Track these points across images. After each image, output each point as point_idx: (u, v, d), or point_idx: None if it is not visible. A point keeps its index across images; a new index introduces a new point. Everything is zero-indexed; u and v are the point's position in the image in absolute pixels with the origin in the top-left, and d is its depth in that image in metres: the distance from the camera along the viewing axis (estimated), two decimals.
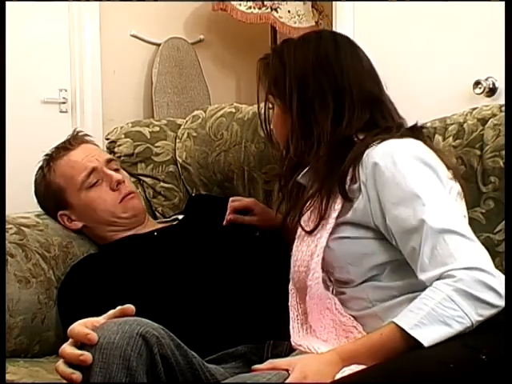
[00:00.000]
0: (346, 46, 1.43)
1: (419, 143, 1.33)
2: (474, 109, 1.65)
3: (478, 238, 1.48)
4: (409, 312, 1.14)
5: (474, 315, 1.11)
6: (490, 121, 1.58)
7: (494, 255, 1.50)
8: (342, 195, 1.31)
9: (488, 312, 1.12)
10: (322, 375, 1.13)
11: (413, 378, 1.05)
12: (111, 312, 1.15)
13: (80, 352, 1.07)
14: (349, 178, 1.30)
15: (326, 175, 1.33)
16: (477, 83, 2.31)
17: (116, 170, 1.76)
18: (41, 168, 1.78)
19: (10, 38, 2.01)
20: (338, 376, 1.12)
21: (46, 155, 1.78)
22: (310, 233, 1.34)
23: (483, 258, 1.18)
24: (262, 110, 1.50)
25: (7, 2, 1.79)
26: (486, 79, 2.31)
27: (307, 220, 1.36)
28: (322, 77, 1.38)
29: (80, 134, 1.83)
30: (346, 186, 1.30)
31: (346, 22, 2.73)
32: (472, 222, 1.53)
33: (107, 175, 1.72)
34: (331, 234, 1.32)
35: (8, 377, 1.37)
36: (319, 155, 1.35)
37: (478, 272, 1.14)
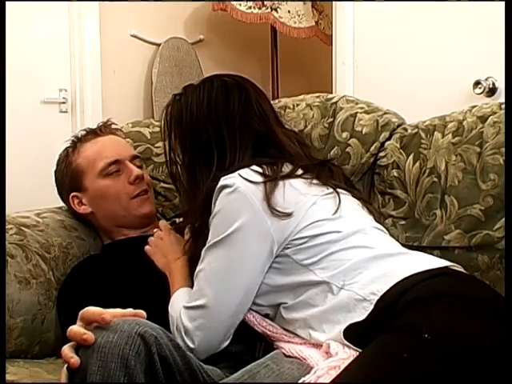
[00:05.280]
0: (235, 93, 1.52)
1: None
2: (474, 107, 1.65)
3: (477, 235, 1.53)
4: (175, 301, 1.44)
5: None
6: (490, 118, 1.58)
7: (493, 253, 1.51)
8: None
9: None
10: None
11: (374, 381, 1.09)
12: (122, 311, 1.16)
13: (84, 331, 1.08)
14: None
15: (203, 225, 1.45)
16: (477, 83, 2.31)
17: (139, 168, 1.78)
18: (66, 148, 1.80)
19: (10, 38, 2.01)
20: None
21: (74, 136, 1.81)
22: None
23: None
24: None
25: (7, 2, 1.79)
26: (486, 79, 2.31)
27: None
28: (210, 130, 1.49)
29: (112, 126, 1.85)
30: None
31: (346, 22, 2.73)
32: (471, 219, 1.54)
33: (128, 168, 1.73)
34: None
35: (8, 377, 1.37)
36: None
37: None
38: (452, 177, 1.58)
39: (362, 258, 1.32)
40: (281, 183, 1.39)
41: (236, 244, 1.36)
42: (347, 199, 1.47)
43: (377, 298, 1.24)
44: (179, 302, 1.43)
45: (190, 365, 1.16)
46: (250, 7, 2.98)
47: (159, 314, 1.39)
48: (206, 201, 1.43)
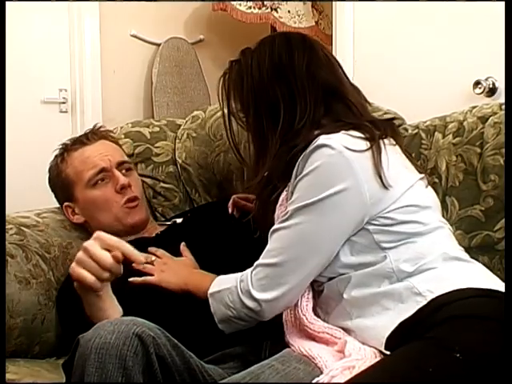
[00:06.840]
0: (299, 45, 1.45)
1: (353, 142, 1.32)
2: (474, 107, 1.65)
3: (477, 235, 1.53)
4: (223, 281, 1.38)
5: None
6: (491, 119, 1.58)
7: (493, 253, 1.51)
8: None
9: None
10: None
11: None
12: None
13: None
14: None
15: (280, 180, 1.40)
16: (477, 83, 2.30)
17: (128, 171, 1.77)
18: (55, 156, 1.80)
19: (10, 38, 2.01)
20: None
21: (63, 144, 1.80)
22: None
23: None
24: (229, 127, 1.54)
25: (7, 2, 1.79)
26: (486, 79, 2.30)
27: None
28: (276, 85, 1.41)
29: (101, 129, 1.83)
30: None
31: (346, 22, 2.73)
32: (471, 219, 1.54)
33: (114, 177, 1.72)
34: None
35: (9, 376, 1.37)
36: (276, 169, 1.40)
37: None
38: (452, 177, 1.58)
39: (435, 257, 1.29)
40: (383, 149, 1.33)
41: (331, 210, 1.28)
42: (430, 190, 1.43)
43: (432, 296, 1.21)
44: (229, 279, 1.37)
45: (189, 364, 1.16)
46: (250, 7, 2.98)
47: (158, 311, 1.40)
48: (285, 158, 1.37)
